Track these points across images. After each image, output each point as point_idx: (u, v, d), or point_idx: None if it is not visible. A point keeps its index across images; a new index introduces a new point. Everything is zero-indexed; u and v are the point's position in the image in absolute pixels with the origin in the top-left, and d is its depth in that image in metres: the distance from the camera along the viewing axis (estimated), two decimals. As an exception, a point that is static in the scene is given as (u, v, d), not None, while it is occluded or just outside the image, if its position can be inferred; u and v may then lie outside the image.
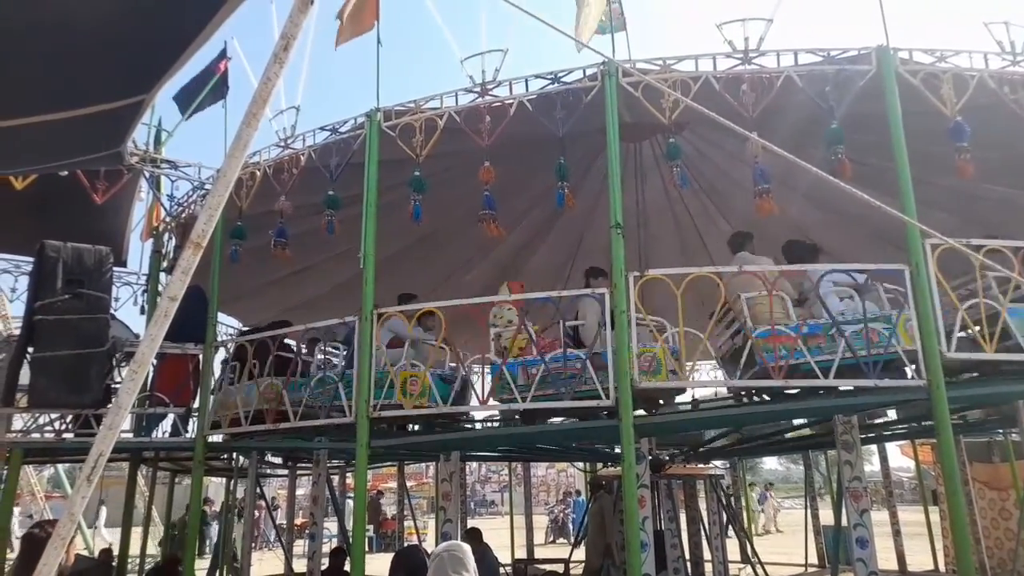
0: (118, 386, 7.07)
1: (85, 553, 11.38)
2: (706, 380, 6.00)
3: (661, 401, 6.21)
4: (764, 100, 5.62)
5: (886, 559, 11.06)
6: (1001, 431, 11.10)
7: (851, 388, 5.45)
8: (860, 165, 6.19)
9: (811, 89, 5.67)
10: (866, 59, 5.69)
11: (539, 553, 14.18)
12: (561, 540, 21.18)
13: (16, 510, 20.59)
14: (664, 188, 9.23)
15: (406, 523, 15.41)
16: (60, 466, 19.77)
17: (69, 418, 7.33)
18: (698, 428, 9.26)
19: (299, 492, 13.35)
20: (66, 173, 7.38)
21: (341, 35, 6.69)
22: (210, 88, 7.97)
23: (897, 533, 13.14)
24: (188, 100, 8.15)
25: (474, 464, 29.17)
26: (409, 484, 18.95)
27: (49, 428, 7.37)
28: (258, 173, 7.05)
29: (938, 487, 14.00)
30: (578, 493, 24.92)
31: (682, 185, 6.40)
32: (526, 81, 6.14)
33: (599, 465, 13.42)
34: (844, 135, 5.60)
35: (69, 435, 7.42)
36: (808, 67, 5.74)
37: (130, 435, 7.77)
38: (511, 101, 6.08)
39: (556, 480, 36.75)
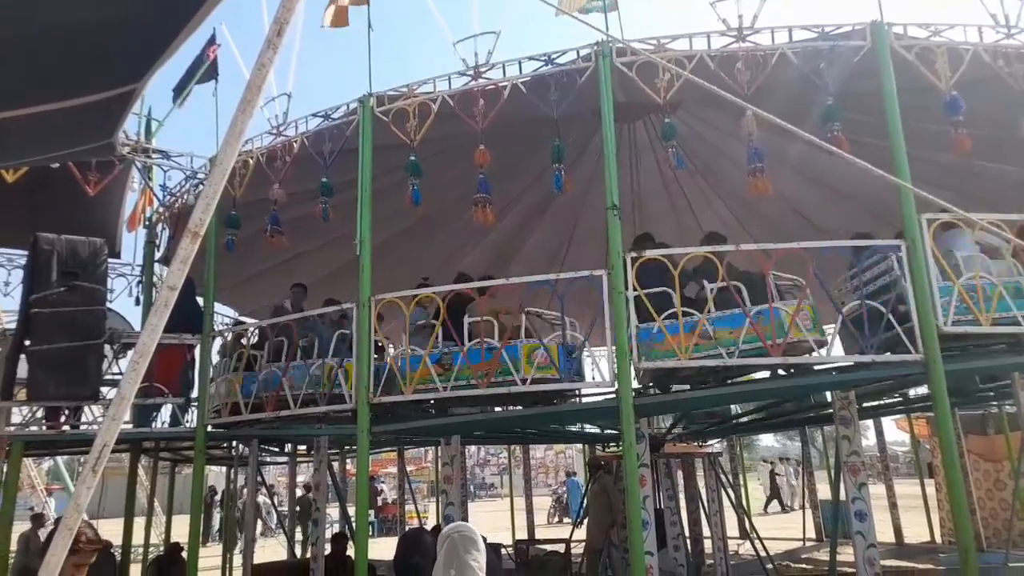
0: (116, 377, 7.07)
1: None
2: (703, 359, 5.96)
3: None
4: (759, 78, 5.59)
5: (883, 532, 11.17)
6: (996, 403, 11.20)
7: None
8: (854, 144, 6.19)
9: (806, 66, 5.65)
10: (860, 34, 5.67)
11: (541, 533, 14.30)
12: (567, 520, 21.35)
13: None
14: (659, 169, 9.21)
15: (407, 507, 15.51)
16: (59, 458, 19.80)
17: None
18: (696, 407, 9.32)
19: (299, 479, 13.41)
20: (58, 165, 7.33)
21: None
22: (200, 75, 7.90)
23: (894, 506, 13.28)
24: (181, 89, 8.10)
25: (473, 447, 29.32)
26: (409, 469, 19.03)
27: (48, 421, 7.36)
28: (251, 161, 7.01)
29: (933, 460, 14.13)
30: (571, 474, 25.09)
31: (678, 166, 6.39)
32: (519, 63, 6.09)
33: (598, 447, 13.52)
34: (839, 112, 5.59)
35: (66, 427, 7.42)
36: (802, 43, 5.71)
37: (130, 426, 7.78)
38: (505, 84, 6.04)
39: (555, 462, 36.99)
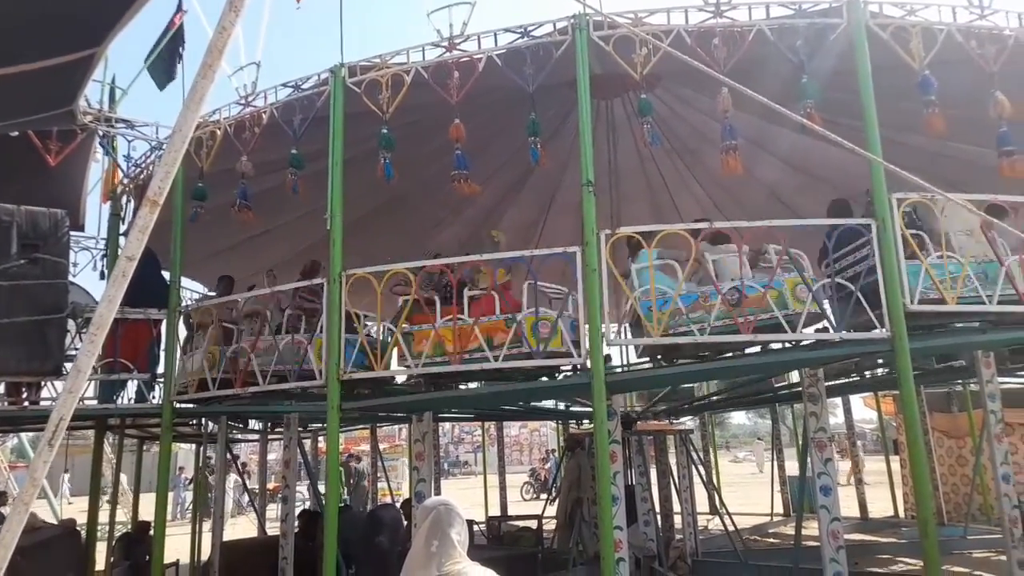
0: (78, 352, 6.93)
1: (53, 522, 11.26)
2: (677, 336, 5.97)
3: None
4: (736, 55, 5.56)
5: (848, 507, 11.45)
6: (960, 381, 11.47)
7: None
8: (829, 124, 6.19)
9: (782, 43, 5.63)
10: (837, 12, 5.66)
11: (515, 510, 14.43)
12: (543, 496, 21.53)
13: None
14: (636, 148, 9.18)
15: (379, 484, 15.52)
16: (24, 435, 19.43)
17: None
18: (669, 384, 9.41)
19: (271, 456, 13.32)
20: (16, 134, 7.09)
21: None
22: (166, 43, 7.66)
23: (860, 482, 13.61)
24: (158, 64, 7.84)
25: (447, 425, 29.40)
26: (382, 447, 19.02)
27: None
28: (218, 132, 6.83)
29: (899, 437, 14.47)
30: (554, 452, 25.29)
31: (653, 143, 6.34)
32: (495, 35, 5.98)
33: (572, 424, 13.61)
34: (815, 90, 5.59)
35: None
36: (779, 20, 5.69)
37: (94, 402, 7.62)
38: (480, 56, 5.93)
39: (529, 440, 37.28)
